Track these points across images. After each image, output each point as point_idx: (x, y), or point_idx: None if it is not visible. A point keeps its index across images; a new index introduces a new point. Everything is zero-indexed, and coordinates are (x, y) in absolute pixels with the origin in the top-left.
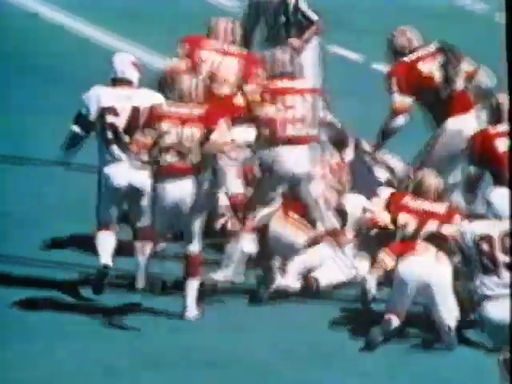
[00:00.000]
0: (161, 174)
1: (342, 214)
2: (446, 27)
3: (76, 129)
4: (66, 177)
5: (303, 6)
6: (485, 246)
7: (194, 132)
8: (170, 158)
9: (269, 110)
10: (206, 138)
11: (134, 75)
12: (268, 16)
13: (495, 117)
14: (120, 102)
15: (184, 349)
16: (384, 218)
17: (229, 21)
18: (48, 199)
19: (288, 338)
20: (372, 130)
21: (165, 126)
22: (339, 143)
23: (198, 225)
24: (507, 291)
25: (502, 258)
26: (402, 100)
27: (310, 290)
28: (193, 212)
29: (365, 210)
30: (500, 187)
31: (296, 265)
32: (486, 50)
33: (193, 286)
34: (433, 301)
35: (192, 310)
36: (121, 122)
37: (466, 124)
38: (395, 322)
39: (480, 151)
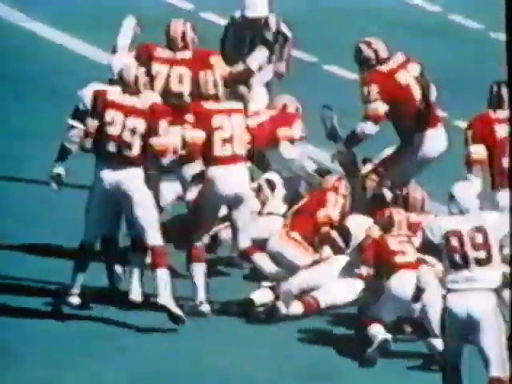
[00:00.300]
0: (103, 162)
1: (345, 234)
2: (440, 42)
3: (74, 123)
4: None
5: (282, 26)
6: (454, 242)
7: (137, 124)
8: (113, 148)
9: (193, 132)
10: (149, 131)
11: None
12: (247, 35)
13: (495, 102)
14: None
15: (181, 365)
16: (376, 231)
17: (181, 24)
18: (42, 217)
19: (285, 355)
20: (372, 149)
21: (109, 114)
22: (346, 164)
23: (150, 215)
24: (474, 286)
25: (473, 253)
26: (384, 107)
27: (308, 311)
28: (140, 203)
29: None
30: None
31: (289, 286)
32: (481, 65)
33: (164, 277)
34: (426, 318)
35: (165, 298)
36: None
37: (437, 138)
38: (382, 333)
39: (479, 134)
